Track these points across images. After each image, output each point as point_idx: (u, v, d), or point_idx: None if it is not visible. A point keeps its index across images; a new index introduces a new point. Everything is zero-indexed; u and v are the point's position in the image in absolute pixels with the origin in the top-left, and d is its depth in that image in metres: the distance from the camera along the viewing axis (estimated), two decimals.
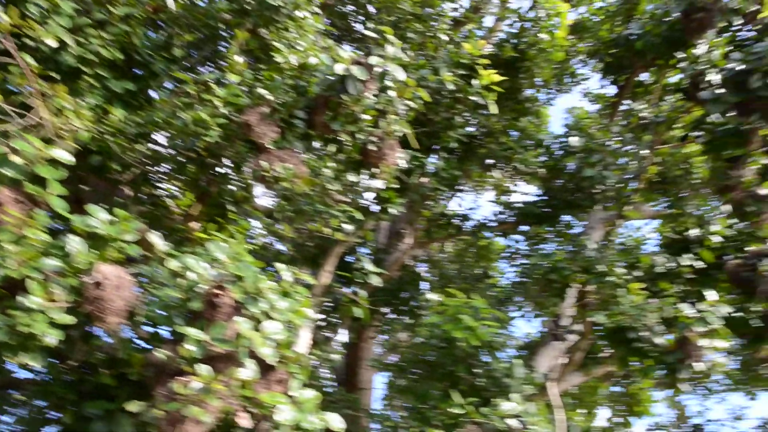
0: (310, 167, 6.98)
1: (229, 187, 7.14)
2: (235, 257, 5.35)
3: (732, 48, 9.18)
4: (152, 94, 7.17)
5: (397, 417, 9.14)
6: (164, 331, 5.75)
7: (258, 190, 9.61)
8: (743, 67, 8.08)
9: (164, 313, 5.35)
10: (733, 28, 9.77)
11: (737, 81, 8.08)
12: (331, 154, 6.95)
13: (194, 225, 7.70)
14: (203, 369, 4.87)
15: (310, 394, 5.53)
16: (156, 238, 5.80)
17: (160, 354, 5.10)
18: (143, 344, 5.70)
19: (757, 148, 9.13)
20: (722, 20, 9.29)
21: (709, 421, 14.12)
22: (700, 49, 9.30)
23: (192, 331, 4.98)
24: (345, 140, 6.74)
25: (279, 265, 5.90)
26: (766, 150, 9.18)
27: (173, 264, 5.41)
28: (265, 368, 5.42)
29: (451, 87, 8.36)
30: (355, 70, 6.28)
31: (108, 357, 5.65)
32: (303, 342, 7.37)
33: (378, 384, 11.53)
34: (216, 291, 5.11)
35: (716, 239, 9.23)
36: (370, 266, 8.41)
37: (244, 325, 5.04)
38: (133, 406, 5.02)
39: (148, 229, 5.91)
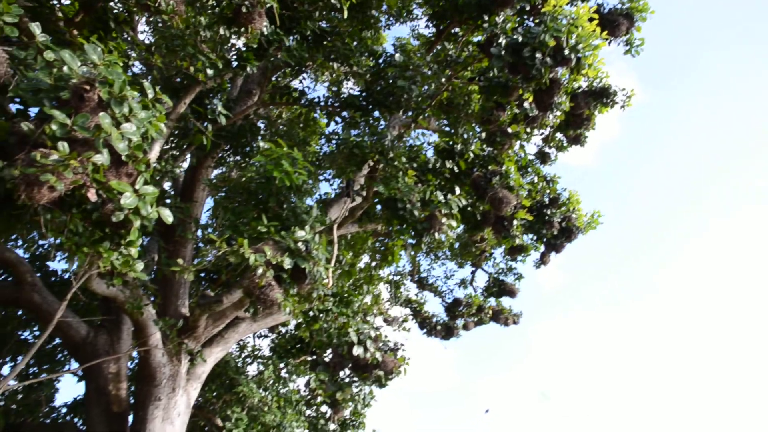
0: (189, 12, 6.31)
1: (114, 5, 6.25)
2: (107, 63, 4.75)
3: (518, 25, 9.52)
4: None
5: (213, 230, 9.04)
6: (32, 112, 5.08)
7: (140, 25, 8.53)
8: (522, 40, 8.39)
9: (34, 96, 4.69)
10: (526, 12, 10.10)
11: (515, 48, 8.40)
12: (209, 6, 6.31)
13: (75, 32, 6.70)
14: (63, 146, 4.39)
15: (151, 189, 5.23)
16: (36, 29, 4.97)
17: (26, 126, 4.50)
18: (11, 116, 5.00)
19: (514, 100, 9.70)
20: (519, 3, 9.53)
21: (431, 276, 15.44)
22: (500, 18, 9.53)
23: (58, 114, 4.44)
24: None
25: (146, 83, 5.37)
26: (519, 103, 9.78)
27: (50, 55, 4.70)
28: (118, 161, 5.02)
29: None
30: None
31: None
32: (154, 151, 6.91)
33: (208, 204, 11.28)
34: (85, 86, 4.55)
35: (471, 155, 9.81)
36: (220, 108, 7.95)
37: (105, 120, 4.57)
38: None
39: (29, 20, 5.04)
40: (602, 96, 11.24)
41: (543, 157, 13.57)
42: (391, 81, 9.56)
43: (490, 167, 9.60)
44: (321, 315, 8.85)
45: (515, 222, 9.74)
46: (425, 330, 13.83)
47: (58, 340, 12.80)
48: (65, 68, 4.62)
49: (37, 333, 12.41)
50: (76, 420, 12.81)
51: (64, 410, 13.29)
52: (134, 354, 11.33)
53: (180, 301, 9.32)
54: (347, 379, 9.52)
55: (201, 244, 10.81)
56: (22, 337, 12.23)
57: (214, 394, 10.85)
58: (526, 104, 9.67)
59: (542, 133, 12.88)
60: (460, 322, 13.62)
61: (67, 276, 11.83)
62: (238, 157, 10.85)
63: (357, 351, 8.18)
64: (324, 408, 11.73)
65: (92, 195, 4.57)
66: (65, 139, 4.47)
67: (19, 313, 11.76)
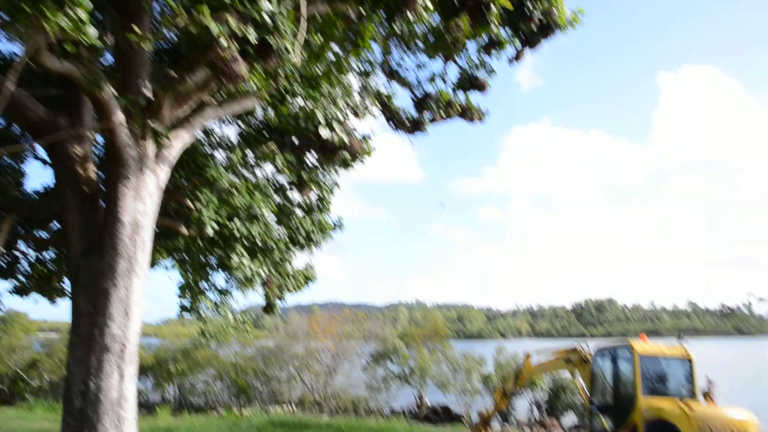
0: None
1: None
2: None
3: None
4: None
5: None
6: None
7: None
8: None
9: None
10: None
11: None
12: None
13: None
14: None
15: None
16: None
17: None
18: None
19: None
20: None
21: (402, 69, 14.75)
22: None
23: None
24: None
25: None
26: None
27: None
28: None
29: None
30: None
31: None
32: None
33: None
34: None
35: None
36: None
37: None
38: None
39: None
40: None
41: None
42: None
43: None
44: (288, 98, 8.70)
45: (493, 8, 9.25)
46: (393, 124, 13.89)
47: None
48: None
49: None
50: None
51: (36, 197, 13.54)
52: (100, 139, 11.27)
53: (141, 81, 8.96)
54: (313, 164, 9.75)
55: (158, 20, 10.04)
56: None
57: (183, 179, 11.08)
58: None
59: None
60: (427, 116, 13.66)
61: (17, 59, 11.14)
62: None
63: (323, 132, 8.23)
64: (291, 195, 12.23)
65: None
66: None
67: None
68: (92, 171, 9.72)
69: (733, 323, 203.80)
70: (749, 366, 66.08)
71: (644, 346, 11.41)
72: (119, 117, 8.11)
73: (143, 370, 27.94)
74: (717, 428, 9.71)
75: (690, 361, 11.36)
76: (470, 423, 23.34)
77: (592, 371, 12.56)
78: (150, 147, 8.91)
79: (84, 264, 9.15)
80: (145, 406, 27.17)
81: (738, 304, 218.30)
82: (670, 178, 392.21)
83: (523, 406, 27.38)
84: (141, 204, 8.95)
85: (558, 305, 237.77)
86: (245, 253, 10.44)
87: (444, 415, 26.06)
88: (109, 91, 7.75)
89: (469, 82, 13.31)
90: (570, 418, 25.88)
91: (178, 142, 9.46)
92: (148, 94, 8.95)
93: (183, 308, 11.49)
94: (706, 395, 11.21)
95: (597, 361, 12.55)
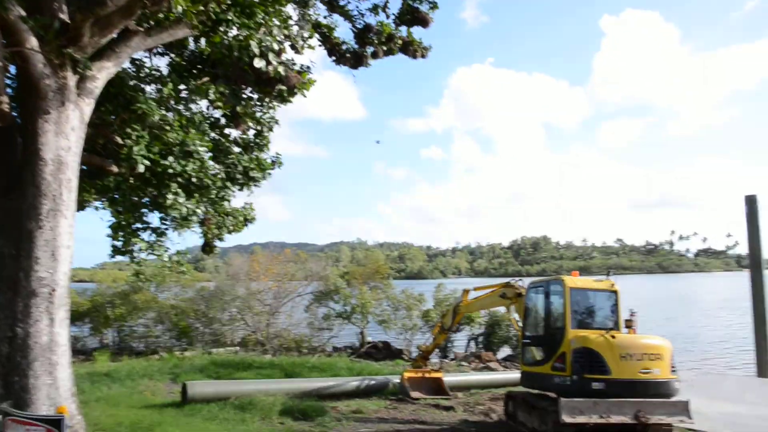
0: None
1: None
2: None
3: None
4: None
5: None
6: None
7: None
8: None
9: None
10: None
11: None
12: None
13: None
14: None
15: None
16: None
17: None
18: None
19: None
20: None
21: None
22: None
23: None
24: None
25: None
26: None
27: None
28: None
29: None
30: None
31: None
32: None
33: None
34: None
35: None
36: None
37: None
38: None
39: None
40: None
41: None
42: None
43: None
44: (222, 27, 8.18)
45: None
46: (334, 57, 13.45)
47: None
48: None
49: None
50: None
51: None
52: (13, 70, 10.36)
53: (55, 3, 8.20)
54: (249, 96, 9.31)
55: None
56: None
57: (111, 114, 10.43)
58: None
59: None
60: (369, 50, 13.28)
61: None
62: None
63: (259, 64, 7.85)
64: (228, 131, 11.78)
65: None
66: None
67: None
68: (6, 103, 8.98)
69: (656, 260, 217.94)
70: (667, 299, 71.34)
71: (575, 280, 11.97)
72: (32, 42, 7.44)
73: (79, 316, 27.06)
74: (635, 354, 10.51)
75: (615, 293, 12.04)
76: (410, 358, 24.20)
77: (526, 305, 13.09)
78: (71, 78, 8.29)
79: (2, 204, 8.59)
80: (83, 352, 26.56)
81: (661, 242, 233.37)
82: (605, 121, 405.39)
83: (461, 341, 28.53)
84: (64, 140, 8.41)
85: (496, 242, 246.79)
86: (180, 192, 10.06)
87: (385, 350, 26.86)
88: (16, 11, 7.05)
89: (411, 15, 12.97)
90: (505, 351, 27.20)
91: (103, 72, 8.84)
92: (65, 17, 8.22)
93: (115, 250, 11.08)
94: (628, 325, 11.96)
95: (530, 296, 13.08)
